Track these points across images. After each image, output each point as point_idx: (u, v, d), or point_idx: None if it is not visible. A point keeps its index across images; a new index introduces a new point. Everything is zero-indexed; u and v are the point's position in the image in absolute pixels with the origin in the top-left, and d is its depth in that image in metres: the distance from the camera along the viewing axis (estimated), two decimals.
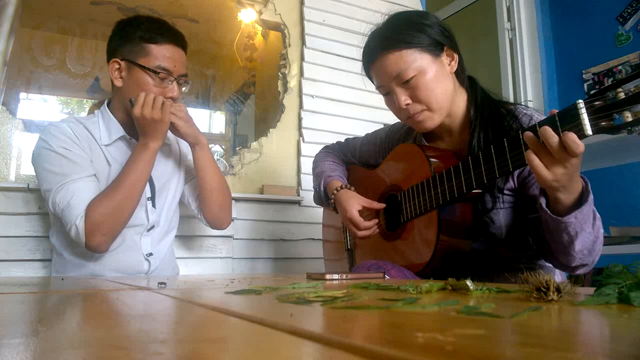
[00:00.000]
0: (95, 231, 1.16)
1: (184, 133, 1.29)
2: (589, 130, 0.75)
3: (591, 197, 0.85)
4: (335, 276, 0.87)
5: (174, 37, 1.28)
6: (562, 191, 0.83)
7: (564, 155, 0.77)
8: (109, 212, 1.17)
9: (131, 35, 1.25)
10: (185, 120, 1.28)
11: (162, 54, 1.24)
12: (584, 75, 2.62)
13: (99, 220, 1.15)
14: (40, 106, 4.38)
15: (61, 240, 1.31)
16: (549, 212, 0.86)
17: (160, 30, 1.27)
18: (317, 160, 1.43)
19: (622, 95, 0.73)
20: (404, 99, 1.05)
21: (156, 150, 1.25)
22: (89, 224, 1.15)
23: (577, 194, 0.85)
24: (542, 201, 0.87)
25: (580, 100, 0.77)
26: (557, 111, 0.80)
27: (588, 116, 0.76)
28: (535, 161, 0.80)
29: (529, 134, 0.81)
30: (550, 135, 0.77)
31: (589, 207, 0.85)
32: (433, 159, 1.07)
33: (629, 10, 2.46)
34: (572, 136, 0.75)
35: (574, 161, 0.78)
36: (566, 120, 0.78)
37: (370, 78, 1.15)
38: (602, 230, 0.90)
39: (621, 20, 2.48)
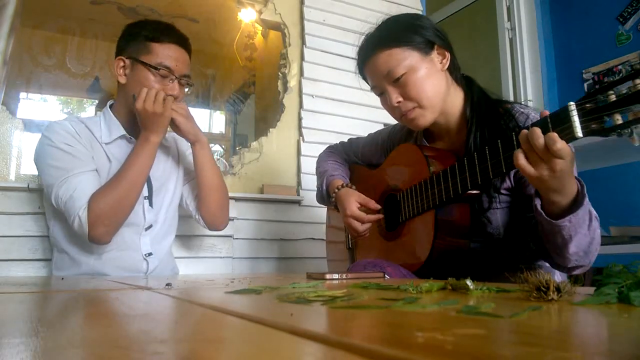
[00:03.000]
0: (98, 222, 1.18)
1: (184, 130, 1.31)
2: (579, 132, 0.76)
3: (586, 200, 0.85)
4: (335, 276, 0.87)
5: (178, 38, 1.33)
6: (555, 193, 0.83)
7: (548, 155, 0.77)
8: (111, 204, 1.19)
9: (136, 35, 1.30)
10: (186, 117, 1.31)
11: (164, 52, 1.29)
12: (584, 75, 2.62)
13: (101, 211, 1.18)
14: (40, 106, 4.38)
15: (62, 237, 1.32)
16: (543, 214, 0.86)
17: (165, 30, 1.32)
18: (320, 160, 1.45)
19: (612, 98, 0.74)
20: (395, 96, 1.06)
21: (157, 144, 1.27)
22: (92, 215, 1.17)
23: (572, 197, 0.84)
24: (537, 202, 0.88)
25: (572, 103, 0.77)
26: (547, 112, 0.81)
27: (579, 118, 0.76)
28: (520, 159, 0.81)
29: (522, 134, 0.81)
30: (537, 136, 0.78)
31: (584, 210, 0.85)
32: (431, 159, 1.08)
33: (629, 10, 2.46)
34: (552, 136, 0.76)
35: (560, 162, 0.78)
36: (557, 122, 0.78)
37: (365, 79, 1.17)
38: (598, 231, 0.90)
39: (621, 19, 2.48)
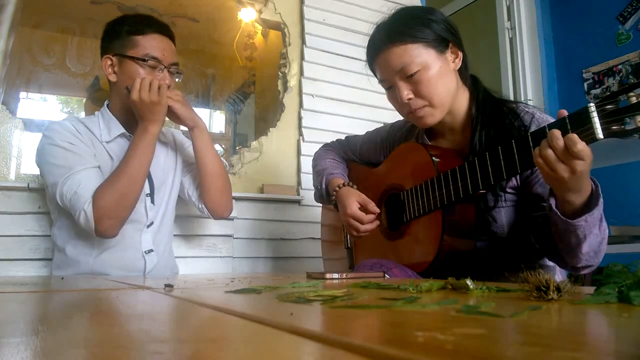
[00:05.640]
0: (104, 216, 1.18)
1: (182, 116, 1.31)
2: (600, 134, 0.75)
3: (601, 200, 0.84)
4: (336, 275, 0.87)
5: (159, 27, 1.32)
6: (570, 192, 0.83)
7: (568, 157, 0.77)
8: (116, 197, 1.19)
9: (119, 31, 1.30)
10: (182, 103, 1.31)
11: (149, 43, 1.29)
12: (584, 75, 2.62)
13: (106, 205, 1.18)
14: (40, 105, 4.37)
15: (64, 237, 1.32)
16: (559, 213, 0.86)
17: (146, 22, 1.32)
18: (318, 158, 1.42)
19: (634, 100, 0.73)
20: (406, 93, 1.05)
21: (156, 134, 1.27)
22: (97, 209, 1.17)
23: (586, 196, 0.84)
24: (552, 202, 0.87)
25: (592, 104, 0.76)
26: (565, 112, 0.80)
27: (599, 120, 0.75)
28: (540, 160, 0.80)
29: (540, 135, 0.81)
30: (557, 137, 0.77)
31: (599, 210, 0.85)
32: (437, 159, 1.06)
33: (629, 10, 2.45)
34: (573, 137, 0.76)
35: (580, 164, 0.77)
36: (577, 123, 0.78)
37: (374, 71, 1.14)
38: (607, 232, 0.90)
39: (621, 19, 2.48)
